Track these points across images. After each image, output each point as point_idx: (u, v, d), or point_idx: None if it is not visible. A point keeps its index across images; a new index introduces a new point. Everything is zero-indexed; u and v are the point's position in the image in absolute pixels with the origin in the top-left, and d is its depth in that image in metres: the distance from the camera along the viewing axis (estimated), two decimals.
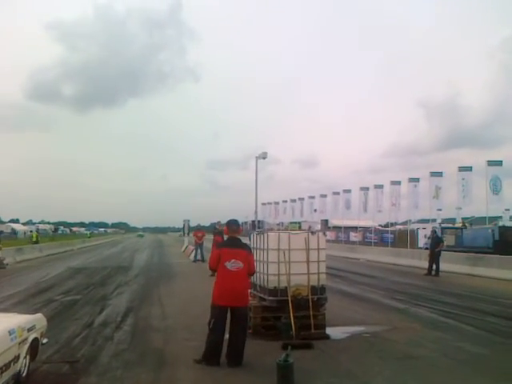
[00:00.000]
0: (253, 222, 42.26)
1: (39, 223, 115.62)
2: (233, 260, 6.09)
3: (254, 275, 7.96)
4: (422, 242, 30.79)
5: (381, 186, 33.45)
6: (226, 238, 7.25)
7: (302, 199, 46.85)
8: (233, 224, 6.71)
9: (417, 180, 30.24)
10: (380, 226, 48.40)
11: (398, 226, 43.90)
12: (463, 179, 26.79)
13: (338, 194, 39.30)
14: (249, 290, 8.16)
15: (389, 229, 38.13)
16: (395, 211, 32.82)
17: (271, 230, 12.39)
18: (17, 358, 4.86)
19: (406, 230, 33.95)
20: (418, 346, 7.10)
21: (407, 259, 23.27)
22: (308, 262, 7.36)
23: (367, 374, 5.65)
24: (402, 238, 33.45)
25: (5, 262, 20.91)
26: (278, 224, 49.51)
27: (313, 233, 7.92)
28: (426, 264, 18.65)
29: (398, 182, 31.68)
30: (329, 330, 7.51)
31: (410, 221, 35.05)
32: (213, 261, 6.31)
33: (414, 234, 32.59)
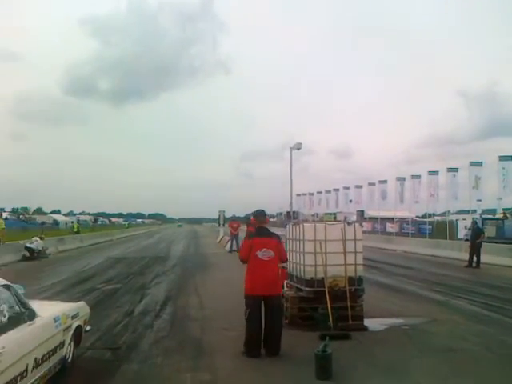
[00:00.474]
0: (288, 212, 42.17)
1: (80, 214, 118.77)
2: (264, 249, 6.14)
3: (291, 266, 7.99)
4: (461, 233, 30.03)
5: (418, 177, 32.69)
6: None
7: (336, 190, 46.28)
8: (260, 214, 6.74)
9: (455, 170, 29.39)
10: (417, 216, 47.41)
11: (436, 217, 42.91)
12: (503, 169, 25.80)
13: (373, 184, 38.63)
14: (285, 281, 8.21)
15: (427, 220, 37.29)
16: (433, 202, 31.98)
17: (306, 220, 12.35)
18: (62, 344, 5.04)
19: (444, 221, 33.13)
20: (459, 338, 6.96)
21: (446, 251, 22.77)
22: (345, 252, 7.30)
23: (406, 367, 5.58)
24: (440, 229, 32.68)
25: (47, 251, 21.62)
26: (312, 215, 49.23)
27: (349, 223, 7.85)
28: (466, 256, 18.26)
29: (436, 172, 30.87)
30: (366, 322, 7.44)
31: (448, 212, 34.10)
32: (244, 251, 6.36)
33: (453, 225, 31.81)
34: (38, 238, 21.20)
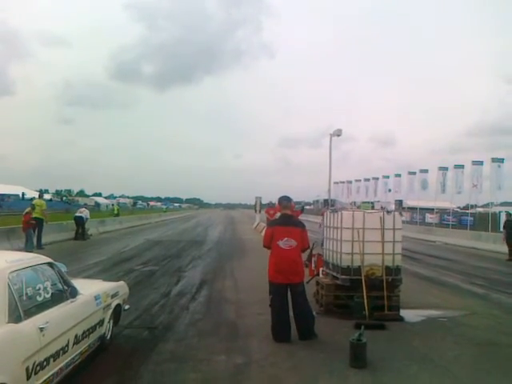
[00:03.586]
0: (325, 200, 41.83)
1: (120, 197, 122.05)
2: (285, 238, 6.10)
3: (327, 253, 7.95)
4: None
5: (461, 167, 31.73)
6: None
7: (376, 178, 45.50)
8: (284, 200, 6.64)
9: (501, 160, 28.34)
10: (459, 208, 46.12)
11: (479, 209, 41.61)
12: None
13: (414, 173, 37.75)
14: (320, 268, 8.18)
15: (468, 211, 36.21)
16: (476, 193, 31.04)
17: (344, 208, 12.22)
18: (101, 321, 5.19)
19: (487, 213, 32.15)
20: (498, 332, 6.77)
21: (488, 243, 22.09)
22: (383, 241, 7.19)
23: (443, 359, 5.46)
24: (482, 221, 31.72)
25: (89, 232, 22.27)
26: (350, 203, 48.68)
27: (388, 212, 7.72)
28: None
29: (480, 162, 29.86)
30: (403, 312, 7.33)
31: (492, 203, 33.00)
32: (266, 240, 6.41)
33: (495, 217, 30.78)
34: (85, 208, 22.15)
